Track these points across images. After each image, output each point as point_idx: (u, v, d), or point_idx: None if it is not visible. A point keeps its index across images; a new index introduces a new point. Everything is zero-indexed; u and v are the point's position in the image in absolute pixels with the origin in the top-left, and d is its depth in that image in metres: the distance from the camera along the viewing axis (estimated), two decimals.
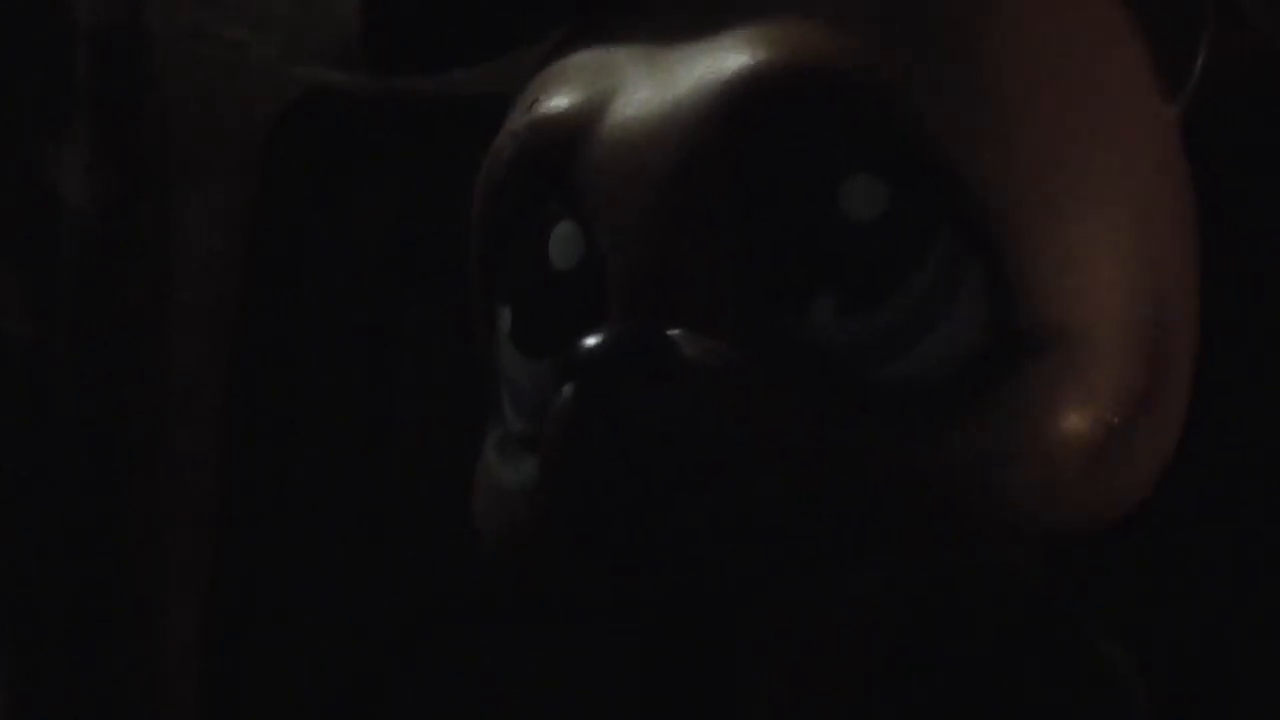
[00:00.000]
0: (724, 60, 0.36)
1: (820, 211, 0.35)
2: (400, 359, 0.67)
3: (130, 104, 0.68)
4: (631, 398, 0.34)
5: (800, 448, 0.34)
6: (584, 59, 0.40)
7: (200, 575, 0.69)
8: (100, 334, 0.68)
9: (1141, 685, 0.39)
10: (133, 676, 0.69)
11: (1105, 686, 0.38)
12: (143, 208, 0.69)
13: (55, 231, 0.67)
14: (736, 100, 0.35)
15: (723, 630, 0.40)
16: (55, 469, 0.67)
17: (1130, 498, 0.37)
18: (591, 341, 0.35)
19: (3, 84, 0.67)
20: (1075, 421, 0.34)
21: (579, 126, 0.38)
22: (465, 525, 0.63)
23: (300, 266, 0.69)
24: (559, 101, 0.39)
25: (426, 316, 0.66)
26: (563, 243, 0.39)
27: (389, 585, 0.65)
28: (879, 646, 0.38)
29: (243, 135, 0.70)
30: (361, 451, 0.67)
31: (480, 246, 0.41)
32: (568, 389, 0.35)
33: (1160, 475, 0.38)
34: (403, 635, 0.65)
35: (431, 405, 0.66)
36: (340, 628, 0.66)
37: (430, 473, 0.65)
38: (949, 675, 0.38)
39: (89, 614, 0.68)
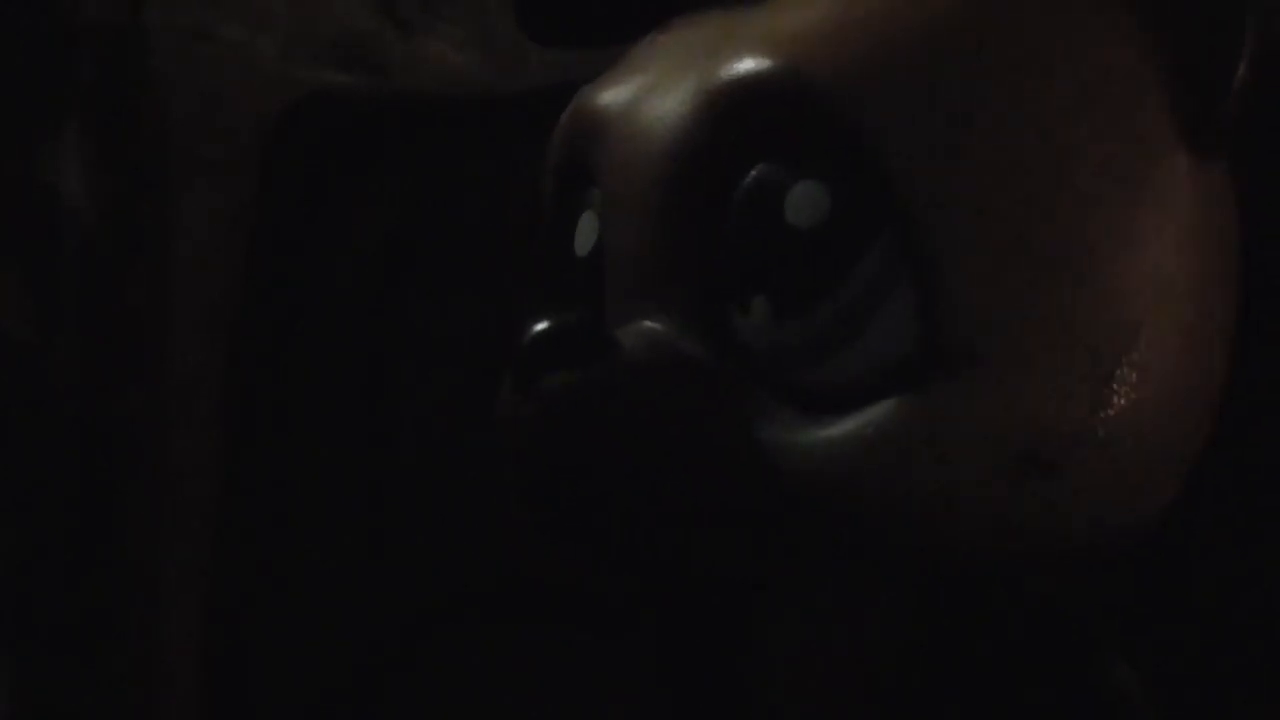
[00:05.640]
0: (711, 69, 0.37)
1: (767, 216, 0.36)
2: (400, 359, 0.67)
3: (130, 104, 0.68)
4: (560, 385, 0.35)
5: (717, 442, 0.35)
6: (635, 58, 0.41)
7: (200, 575, 0.69)
8: (100, 334, 0.68)
9: (1150, 709, 0.39)
10: (133, 676, 0.69)
11: (1114, 708, 0.38)
12: (143, 208, 0.69)
13: (55, 231, 0.67)
14: (710, 107, 0.37)
15: (726, 636, 0.40)
16: (55, 469, 0.67)
17: (1096, 522, 0.36)
18: (534, 330, 0.36)
19: (3, 84, 0.67)
20: (994, 439, 0.34)
21: (604, 120, 0.39)
22: (465, 525, 0.63)
23: (300, 266, 0.70)
24: (597, 96, 0.40)
25: (426, 316, 0.67)
26: (583, 231, 0.40)
27: (388, 585, 0.65)
28: (885, 659, 0.38)
29: (243, 135, 0.70)
30: (361, 451, 0.67)
31: (538, 232, 0.43)
32: (509, 375, 0.37)
33: (1156, 503, 0.37)
34: (402, 635, 0.65)
35: (431, 404, 0.66)
36: (340, 627, 0.67)
37: (430, 472, 0.65)
38: (955, 693, 0.38)
39: (89, 614, 0.68)
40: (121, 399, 0.68)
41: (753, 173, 0.36)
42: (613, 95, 0.39)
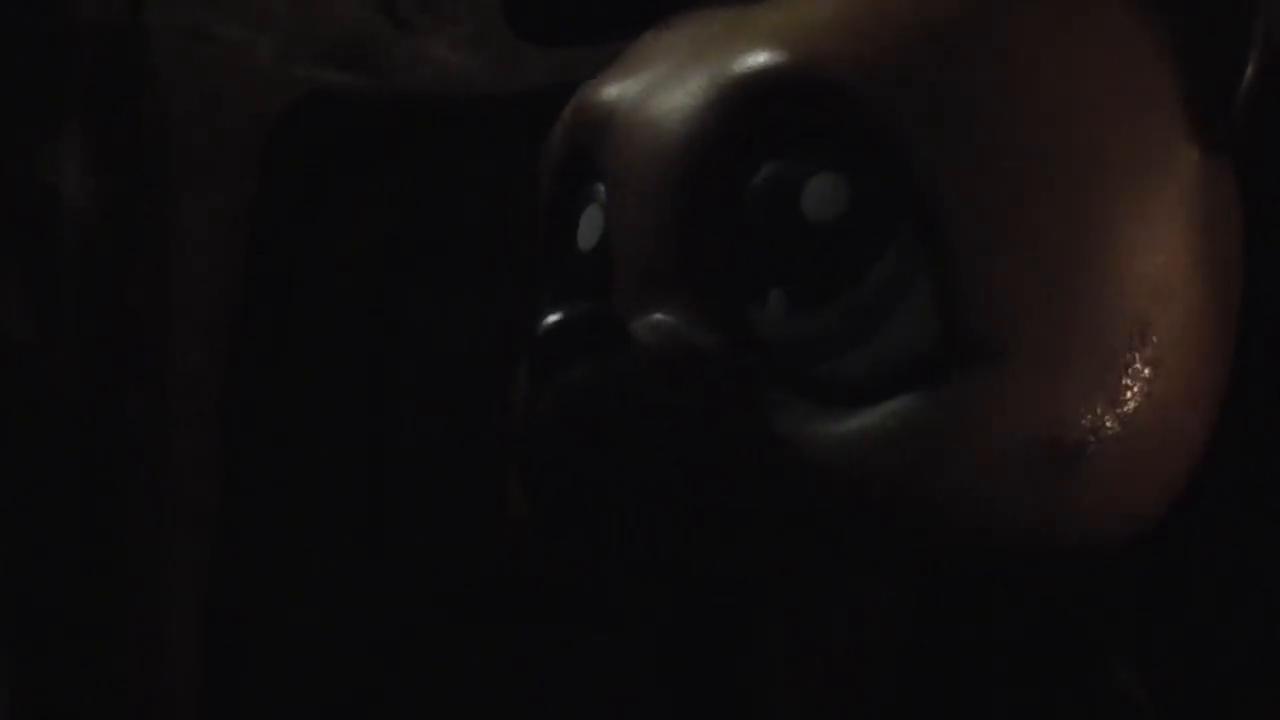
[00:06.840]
0: (723, 63, 0.37)
1: (784, 209, 0.36)
2: (400, 359, 0.67)
3: (130, 104, 0.68)
4: (582, 377, 0.35)
5: (733, 435, 0.35)
6: (638, 53, 0.41)
7: (200, 575, 0.69)
8: (100, 334, 0.68)
9: (1152, 710, 0.39)
10: (133, 676, 0.69)
11: (1116, 710, 0.38)
12: (143, 208, 0.69)
13: (55, 231, 0.67)
14: (724, 101, 0.37)
15: (726, 635, 0.40)
16: (55, 469, 0.67)
17: (1110, 519, 0.36)
18: (547, 321, 0.35)
19: (3, 83, 0.67)
20: (1015, 435, 0.34)
21: (610, 115, 0.39)
22: (465, 525, 0.63)
23: (300, 266, 0.69)
24: (601, 90, 0.40)
25: (426, 316, 0.67)
26: (587, 225, 0.40)
27: (388, 585, 0.65)
28: (885, 659, 0.38)
29: (243, 135, 0.70)
30: (361, 451, 0.67)
31: (537, 228, 0.42)
32: (523, 367, 0.37)
33: (1164, 500, 0.37)
34: (402, 636, 0.65)
35: (431, 404, 0.66)
36: (340, 628, 0.66)
37: (430, 472, 0.65)
38: (955, 694, 0.38)
39: (89, 614, 0.68)
40: (121, 399, 0.68)
41: (768, 166, 0.36)
42: (618, 90, 0.39)
